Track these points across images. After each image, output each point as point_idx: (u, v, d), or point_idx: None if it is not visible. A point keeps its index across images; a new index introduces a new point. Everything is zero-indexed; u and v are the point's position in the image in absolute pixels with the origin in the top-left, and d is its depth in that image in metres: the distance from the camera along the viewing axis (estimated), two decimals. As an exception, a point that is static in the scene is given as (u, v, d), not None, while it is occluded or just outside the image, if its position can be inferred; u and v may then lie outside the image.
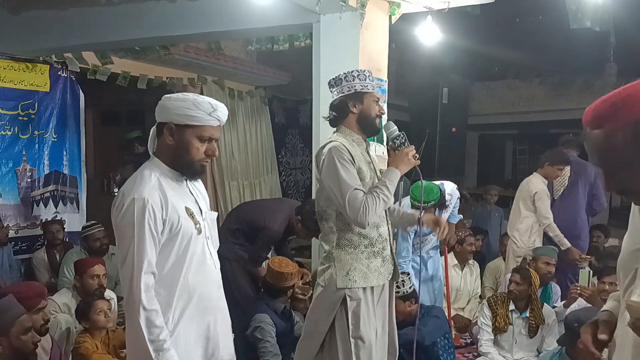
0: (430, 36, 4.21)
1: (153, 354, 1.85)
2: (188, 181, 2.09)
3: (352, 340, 2.51)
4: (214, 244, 2.15)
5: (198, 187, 2.17)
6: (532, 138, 14.87)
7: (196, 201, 2.09)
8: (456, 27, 5.14)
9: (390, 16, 4.02)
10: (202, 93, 6.79)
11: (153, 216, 1.90)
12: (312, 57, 3.95)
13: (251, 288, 4.00)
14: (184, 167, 2.02)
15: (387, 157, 3.75)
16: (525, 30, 8.46)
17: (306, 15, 3.91)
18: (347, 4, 3.49)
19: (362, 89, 2.54)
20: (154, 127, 2.06)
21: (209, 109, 1.97)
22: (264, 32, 4.82)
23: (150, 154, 2.07)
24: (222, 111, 2.02)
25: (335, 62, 3.78)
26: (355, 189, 2.41)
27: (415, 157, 2.58)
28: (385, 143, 3.81)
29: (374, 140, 3.55)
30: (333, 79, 2.61)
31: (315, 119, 3.93)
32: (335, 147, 2.46)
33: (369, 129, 2.62)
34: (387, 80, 4.00)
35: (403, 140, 2.59)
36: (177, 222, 1.96)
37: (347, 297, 2.51)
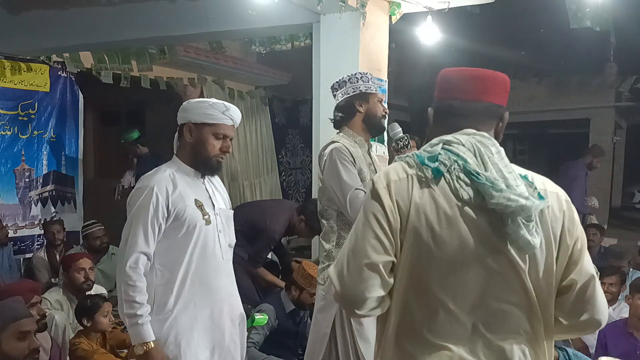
0: (430, 36, 4.21)
1: (128, 325, 2.06)
2: (206, 179, 2.28)
3: (353, 339, 2.51)
4: (226, 238, 2.29)
5: (217, 186, 2.35)
6: (532, 138, 14.86)
7: (210, 197, 2.26)
8: (456, 27, 5.14)
9: (390, 16, 4.02)
10: (202, 93, 6.80)
11: (156, 203, 2.09)
12: (312, 57, 3.95)
13: (251, 289, 4.00)
14: (202, 162, 2.22)
15: (387, 157, 3.76)
16: (525, 30, 8.46)
17: (306, 15, 3.91)
18: (346, 4, 3.49)
19: (367, 89, 2.59)
20: (177, 130, 2.27)
21: (223, 109, 2.20)
22: (264, 32, 4.82)
23: (174, 153, 2.29)
24: (235, 112, 2.24)
25: (335, 62, 3.78)
26: (357, 189, 2.45)
27: None
28: (386, 143, 3.82)
29: (375, 141, 3.55)
30: (337, 82, 2.65)
31: (315, 119, 3.93)
32: (337, 149, 2.50)
33: (374, 128, 2.65)
34: (387, 80, 4.00)
35: (406, 142, 2.62)
36: (184, 211, 2.14)
37: (347, 295, 2.52)
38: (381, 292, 1.28)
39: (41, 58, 5.44)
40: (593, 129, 12.53)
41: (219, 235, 2.24)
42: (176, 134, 2.29)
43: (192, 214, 2.15)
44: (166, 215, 2.11)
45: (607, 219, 9.59)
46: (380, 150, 3.80)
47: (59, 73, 5.66)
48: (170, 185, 2.14)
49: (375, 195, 1.30)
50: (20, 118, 5.38)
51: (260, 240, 4.01)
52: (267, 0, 3.66)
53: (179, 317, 2.12)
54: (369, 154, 2.67)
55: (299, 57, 5.64)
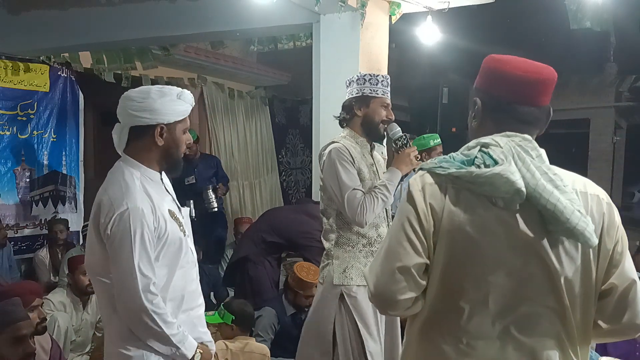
0: (430, 36, 4.22)
1: (179, 345, 1.84)
2: (162, 179, 1.97)
3: (359, 336, 2.50)
4: (192, 240, 2.05)
5: (167, 183, 2.03)
6: (532, 138, 14.79)
7: (173, 199, 1.99)
8: (456, 27, 5.14)
9: (390, 16, 4.03)
10: (202, 93, 6.81)
11: (148, 225, 1.80)
12: (312, 57, 3.95)
13: (272, 293, 4.06)
14: (173, 164, 1.95)
15: (386, 157, 3.76)
16: (525, 30, 8.46)
17: (306, 15, 3.91)
18: (346, 4, 3.50)
19: (371, 93, 2.57)
20: (123, 128, 1.97)
21: (190, 100, 1.93)
22: (264, 32, 4.82)
23: (120, 153, 1.97)
24: (192, 96, 1.97)
25: (335, 62, 3.79)
26: (354, 189, 2.45)
27: (417, 157, 2.60)
28: (385, 143, 3.81)
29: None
30: (348, 79, 2.65)
31: (315, 119, 3.93)
32: (336, 149, 2.51)
33: (371, 134, 2.64)
34: (386, 80, 4.00)
35: (405, 142, 2.60)
36: (165, 228, 1.85)
37: (344, 294, 2.52)
38: (413, 294, 1.30)
39: (41, 58, 5.44)
40: (593, 129, 12.53)
41: (189, 242, 1.98)
42: (121, 132, 1.98)
43: (172, 230, 1.87)
44: (154, 234, 1.82)
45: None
46: (379, 150, 3.80)
47: (59, 73, 5.65)
48: (150, 201, 1.83)
49: (409, 198, 1.31)
50: (19, 118, 5.38)
51: (308, 256, 4.03)
52: (267, 0, 3.66)
53: None
54: (372, 155, 2.67)
55: (299, 57, 5.64)
